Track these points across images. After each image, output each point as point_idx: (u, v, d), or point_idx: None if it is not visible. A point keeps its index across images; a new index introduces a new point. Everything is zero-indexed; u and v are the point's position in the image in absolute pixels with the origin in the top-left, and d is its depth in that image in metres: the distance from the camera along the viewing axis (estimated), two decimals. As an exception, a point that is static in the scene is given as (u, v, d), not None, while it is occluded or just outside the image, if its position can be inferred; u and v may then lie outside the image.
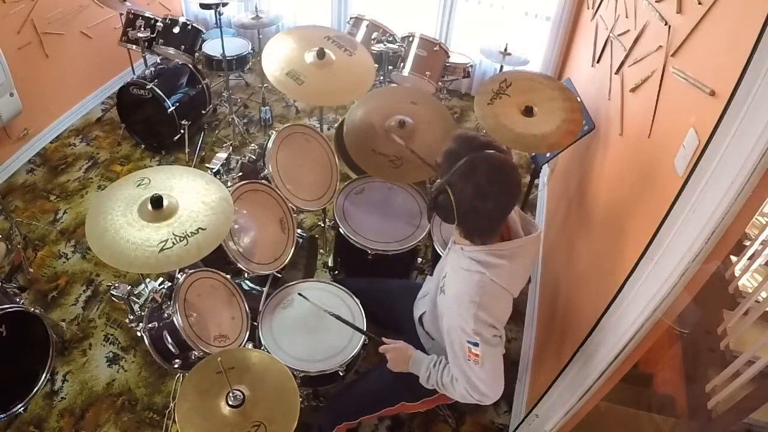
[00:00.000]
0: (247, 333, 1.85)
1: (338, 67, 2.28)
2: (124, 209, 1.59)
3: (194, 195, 1.66)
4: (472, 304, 1.34)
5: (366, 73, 2.33)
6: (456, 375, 1.43)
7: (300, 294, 1.84)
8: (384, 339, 1.64)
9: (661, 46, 1.62)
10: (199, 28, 3.33)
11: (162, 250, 1.50)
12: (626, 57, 1.99)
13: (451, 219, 1.37)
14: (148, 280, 1.92)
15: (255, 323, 1.88)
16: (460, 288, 1.40)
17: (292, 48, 2.30)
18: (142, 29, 3.18)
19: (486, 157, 1.31)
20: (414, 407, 1.77)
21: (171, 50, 3.26)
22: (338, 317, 1.67)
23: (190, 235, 1.54)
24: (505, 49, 3.23)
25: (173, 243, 1.51)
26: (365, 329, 1.84)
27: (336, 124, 3.20)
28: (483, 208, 1.31)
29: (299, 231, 2.17)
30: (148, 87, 3.11)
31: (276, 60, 2.24)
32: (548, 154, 2.60)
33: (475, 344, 1.35)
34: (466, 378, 1.40)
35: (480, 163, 1.30)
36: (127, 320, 1.87)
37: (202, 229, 1.56)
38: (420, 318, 1.74)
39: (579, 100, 2.27)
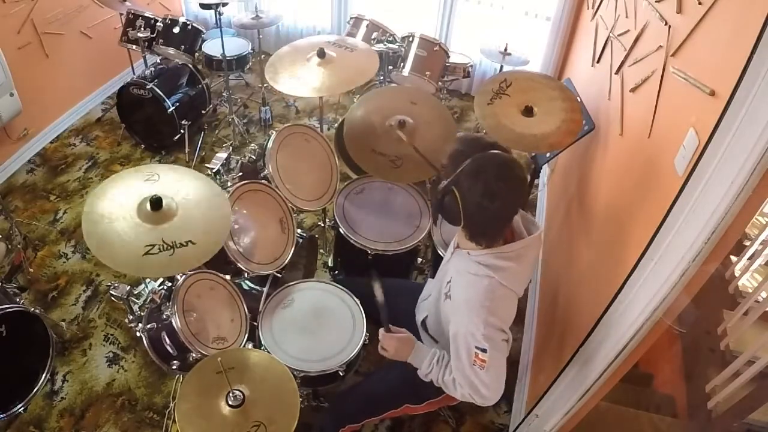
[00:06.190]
0: (246, 335, 1.85)
1: (340, 63, 2.28)
2: (125, 200, 1.56)
3: (196, 204, 1.62)
4: (482, 308, 1.34)
5: (369, 61, 2.31)
6: (458, 379, 1.43)
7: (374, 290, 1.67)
8: (391, 327, 1.60)
9: (661, 46, 1.62)
10: (199, 28, 3.33)
11: (146, 254, 1.46)
12: (626, 57, 1.99)
13: (458, 221, 1.36)
14: (148, 280, 1.92)
15: (255, 323, 1.88)
16: (468, 293, 1.39)
17: (292, 59, 2.31)
18: (142, 29, 3.18)
19: (492, 156, 1.31)
20: (418, 410, 1.77)
21: (171, 50, 3.26)
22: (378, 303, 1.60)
23: (178, 246, 1.49)
24: (505, 49, 3.23)
25: (159, 250, 1.47)
26: (366, 330, 1.84)
27: (336, 124, 3.20)
28: (491, 208, 1.30)
29: (299, 231, 2.17)
30: (148, 87, 3.11)
31: (280, 73, 2.26)
32: (548, 154, 2.60)
33: (483, 350, 1.34)
34: (469, 383, 1.39)
35: (487, 162, 1.30)
36: (126, 320, 1.87)
37: (192, 243, 1.51)
38: (423, 322, 1.73)
39: (579, 100, 2.27)
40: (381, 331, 1.60)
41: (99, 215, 1.51)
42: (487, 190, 1.29)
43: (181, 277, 1.77)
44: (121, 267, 1.51)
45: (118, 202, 1.56)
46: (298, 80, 2.21)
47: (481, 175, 1.29)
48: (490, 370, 1.35)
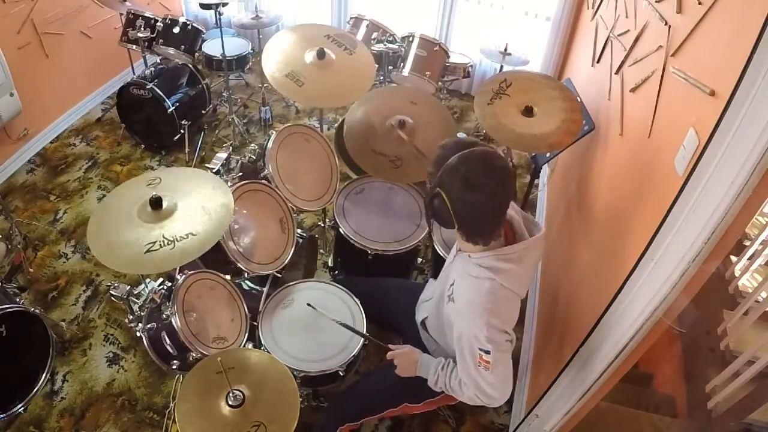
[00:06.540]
0: (246, 335, 1.85)
1: (338, 67, 2.28)
2: (130, 206, 1.60)
3: (197, 198, 1.64)
4: (484, 311, 1.34)
5: (366, 72, 2.32)
6: (465, 380, 1.43)
7: (309, 304, 1.82)
8: (390, 345, 1.64)
9: (661, 46, 1.62)
10: (199, 28, 3.33)
11: (147, 251, 1.48)
12: (626, 57, 1.99)
13: (450, 222, 1.37)
14: (148, 280, 1.92)
15: (255, 323, 1.88)
16: (470, 296, 1.40)
17: (291, 48, 2.30)
18: (142, 29, 3.18)
19: (470, 151, 1.32)
20: (417, 408, 1.77)
21: (171, 50, 3.26)
22: (346, 326, 1.68)
23: (179, 239, 1.51)
24: (505, 49, 3.23)
25: (160, 246, 1.49)
26: (366, 330, 1.84)
27: (336, 124, 3.20)
28: (476, 201, 1.31)
29: (299, 231, 2.17)
30: (148, 87, 3.11)
31: (276, 61, 2.24)
32: (548, 154, 2.60)
33: (487, 352, 1.35)
34: (475, 384, 1.40)
35: (465, 156, 1.31)
36: (126, 320, 1.87)
37: (192, 234, 1.53)
38: (423, 322, 1.73)
39: (579, 100, 2.27)
40: (388, 355, 1.63)
41: (107, 222, 1.55)
42: (468, 183, 1.29)
43: (181, 277, 1.77)
44: (125, 268, 1.53)
45: (123, 209, 1.58)
46: (296, 83, 2.20)
47: (460, 168, 1.30)
48: (495, 370, 1.36)
